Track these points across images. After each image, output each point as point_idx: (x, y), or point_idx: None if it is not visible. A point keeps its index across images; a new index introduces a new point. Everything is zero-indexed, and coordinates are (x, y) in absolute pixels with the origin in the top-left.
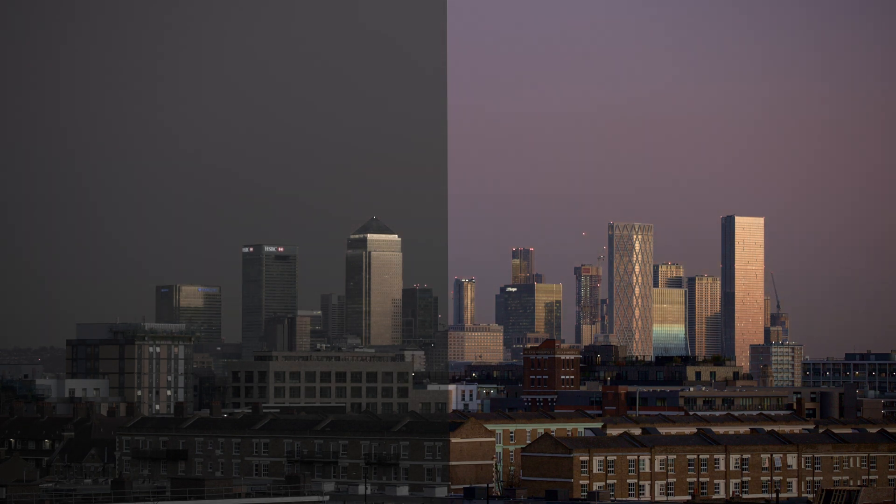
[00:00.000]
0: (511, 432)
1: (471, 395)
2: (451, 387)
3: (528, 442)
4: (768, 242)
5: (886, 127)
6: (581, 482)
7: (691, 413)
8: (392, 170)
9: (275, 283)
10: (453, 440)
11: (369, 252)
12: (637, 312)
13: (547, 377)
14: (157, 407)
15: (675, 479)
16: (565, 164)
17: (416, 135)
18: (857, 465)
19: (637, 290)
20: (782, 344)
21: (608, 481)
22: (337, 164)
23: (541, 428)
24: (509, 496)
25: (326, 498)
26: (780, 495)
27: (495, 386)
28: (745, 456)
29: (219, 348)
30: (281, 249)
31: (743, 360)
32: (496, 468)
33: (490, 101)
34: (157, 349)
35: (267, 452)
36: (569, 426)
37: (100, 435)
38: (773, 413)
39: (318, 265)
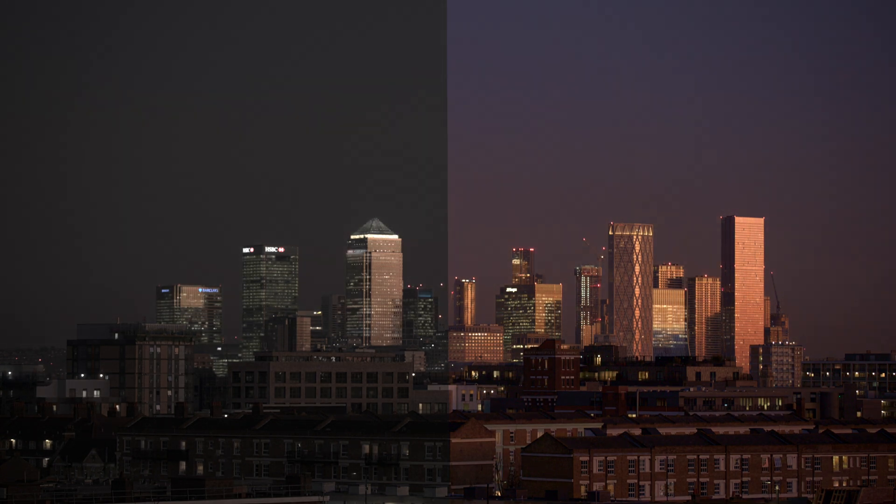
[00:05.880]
0: (511, 432)
1: (471, 396)
2: (452, 387)
3: (529, 442)
4: (768, 242)
5: (886, 126)
6: (581, 482)
7: (691, 413)
8: (392, 170)
9: (275, 283)
10: (454, 440)
11: (369, 252)
12: (637, 313)
13: (547, 377)
14: (158, 407)
15: (675, 480)
16: (566, 164)
17: (417, 135)
18: (857, 465)
19: (637, 291)
20: (782, 344)
21: (608, 481)
22: (337, 164)
23: (541, 428)
24: (509, 496)
25: (327, 498)
26: (780, 495)
27: (496, 386)
28: (745, 456)
29: (219, 348)
30: (281, 249)
31: (743, 361)
32: (496, 468)
33: (490, 101)
34: (158, 349)
35: (267, 452)
36: (569, 426)
37: (100, 435)
38: (772, 413)
39: (318, 265)
